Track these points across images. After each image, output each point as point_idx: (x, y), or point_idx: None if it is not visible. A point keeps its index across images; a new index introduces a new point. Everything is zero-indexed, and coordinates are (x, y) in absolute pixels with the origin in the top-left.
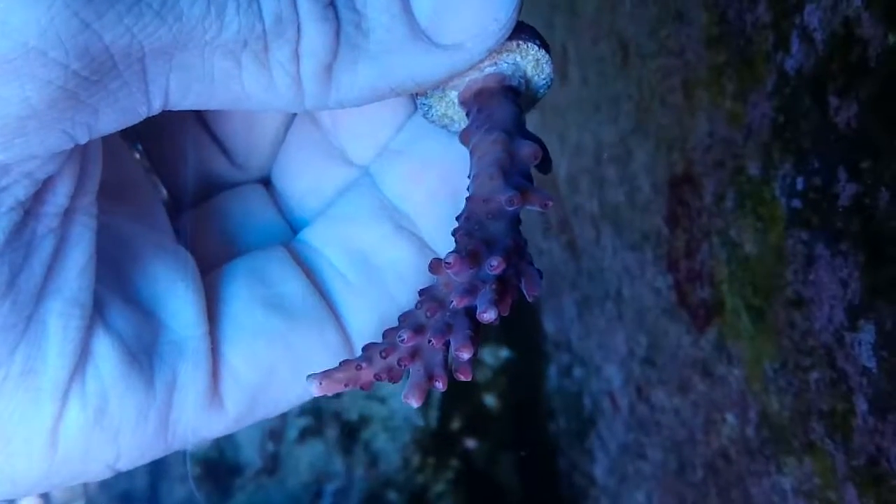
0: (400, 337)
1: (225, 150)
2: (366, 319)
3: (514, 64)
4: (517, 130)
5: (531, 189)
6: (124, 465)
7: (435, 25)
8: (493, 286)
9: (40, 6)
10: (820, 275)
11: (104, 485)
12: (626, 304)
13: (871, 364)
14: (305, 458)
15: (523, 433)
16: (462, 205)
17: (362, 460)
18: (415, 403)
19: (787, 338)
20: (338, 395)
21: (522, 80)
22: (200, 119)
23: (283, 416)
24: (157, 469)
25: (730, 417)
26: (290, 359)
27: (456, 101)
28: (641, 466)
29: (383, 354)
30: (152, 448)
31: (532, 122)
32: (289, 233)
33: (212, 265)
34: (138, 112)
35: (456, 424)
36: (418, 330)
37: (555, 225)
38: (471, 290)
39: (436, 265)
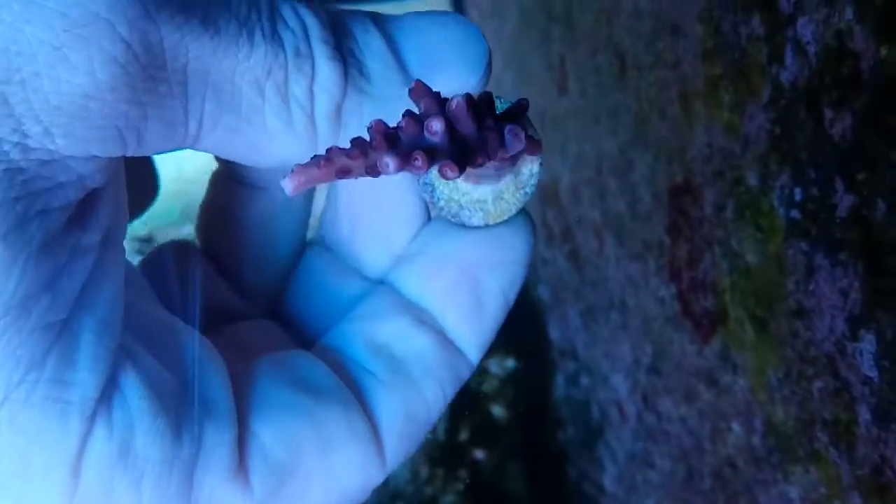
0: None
1: (232, 283)
2: (393, 411)
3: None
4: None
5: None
6: None
7: (423, 77)
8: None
9: None
10: (820, 285)
11: None
12: (631, 313)
13: (873, 374)
14: None
15: (531, 443)
16: (483, 296)
17: None
18: (392, 169)
19: (789, 347)
20: None
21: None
22: (208, 251)
23: None
24: None
25: (736, 426)
26: (317, 439)
27: (459, 179)
28: (650, 475)
29: (355, 145)
30: None
31: None
32: (308, 341)
33: (233, 365)
34: (177, 132)
35: (464, 435)
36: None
37: (558, 234)
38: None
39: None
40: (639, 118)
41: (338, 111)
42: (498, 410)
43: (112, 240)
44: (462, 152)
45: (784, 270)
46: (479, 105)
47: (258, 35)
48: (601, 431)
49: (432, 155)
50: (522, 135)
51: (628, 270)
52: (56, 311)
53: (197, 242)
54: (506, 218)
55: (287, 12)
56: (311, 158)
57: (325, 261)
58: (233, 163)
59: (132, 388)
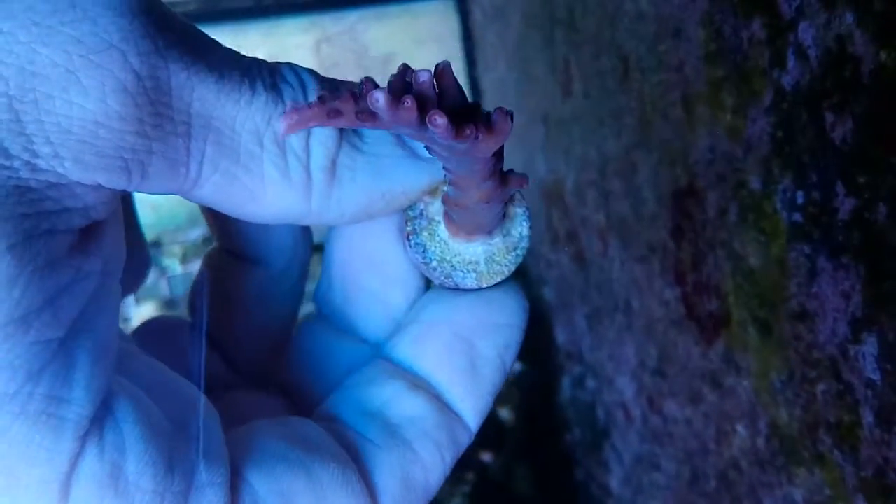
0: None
1: (226, 357)
2: (390, 475)
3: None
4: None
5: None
6: None
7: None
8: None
9: (124, 17)
10: (822, 288)
11: None
12: (636, 315)
13: (876, 376)
14: None
15: (538, 445)
16: (478, 359)
17: None
18: (381, 102)
19: (793, 350)
20: None
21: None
22: (198, 332)
23: None
24: None
25: (740, 429)
26: (312, 494)
27: (447, 238)
28: (656, 477)
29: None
30: None
31: (538, 135)
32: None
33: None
34: (179, 172)
35: None
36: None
37: (563, 237)
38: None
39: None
40: (642, 121)
41: (333, 165)
42: (505, 413)
43: (110, 273)
44: (449, 110)
45: (787, 273)
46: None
47: (259, 85)
48: (607, 433)
49: (422, 102)
50: (510, 116)
51: (633, 273)
52: (55, 329)
53: (189, 318)
54: (499, 280)
55: (286, 70)
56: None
57: (321, 330)
58: (228, 237)
59: (125, 414)
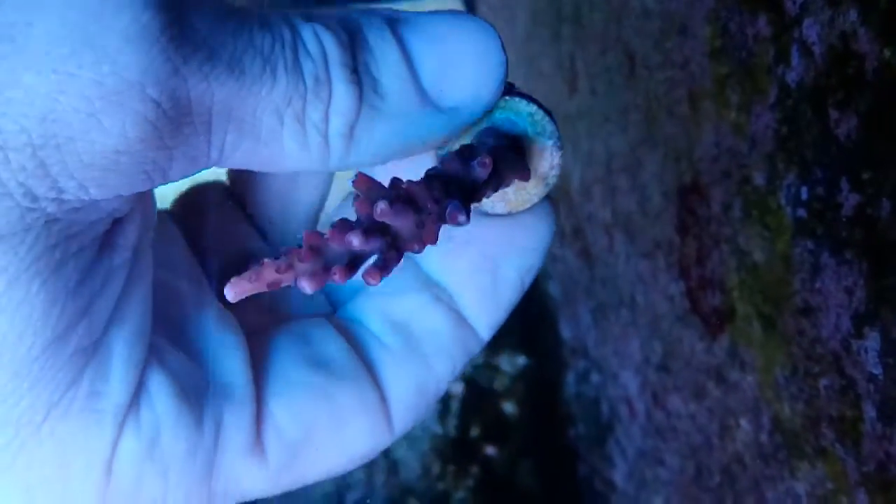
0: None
1: (258, 228)
2: (404, 386)
3: (508, 121)
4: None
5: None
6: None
7: (437, 91)
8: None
9: (143, 48)
10: (826, 283)
11: None
12: (641, 310)
13: (878, 371)
14: None
15: (542, 439)
16: (500, 281)
17: (383, 469)
18: (308, 290)
19: (796, 345)
20: None
21: (520, 134)
22: (234, 197)
23: None
24: None
25: (744, 423)
26: (330, 416)
27: None
28: (659, 472)
29: (287, 253)
30: (196, 493)
31: None
32: (328, 307)
33: (253, 331)
34: (199, 162)
35: (475, 432)
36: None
37: (569, 232)
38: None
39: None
40: (648, 117)
41: (351, 130)
42: (509, 407)
43: (141, 248)
44: (392, 247)
45: (791, 269)
46: (439, 176)
47: (280, 68)
48: (611, 428)
49: (354, 263)
50: (464, 212)
51: (638, 268)
52: (92, 333)
53: (227, 182)
54: (528, 206)
55: (308, 37)
56: (246, 271)
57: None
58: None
59: (159, 389)
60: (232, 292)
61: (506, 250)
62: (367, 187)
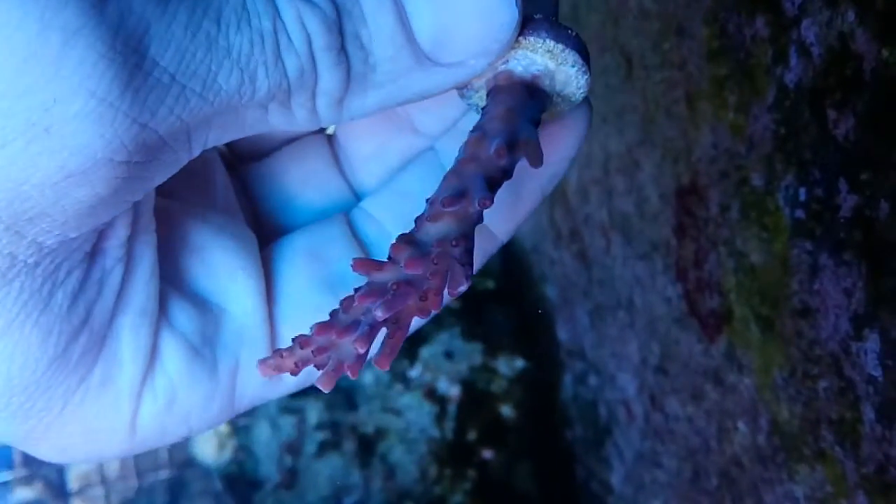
0: (311, 329)
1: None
2: None
3: (526, 59)
4: (519, 117)
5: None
6: (196, 433)
7: (438, 49)
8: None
9: (104, 121)
10: (825, 284)
11: (126, 503)
12: (638, 313)
13: (877, 373)
14: (324, 471)
15: (540, 442)
16: (522, 192)
17: (380, 473)
18: (325, 389)
19: (794, 347)
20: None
21: (542, 76)
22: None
23: (302, 431)
24: (177, 486)
25: (742, 426)
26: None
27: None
28: (657, 474)
29: (301, 345)
30: (220, 418)
31: None
32: (349, 195)
33: (272, 227)
34: (182, 162)
35: (472, 435)
36: (328, 326)
37: (566, 234)
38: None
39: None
40: (645, 118)
41: (340, 103)
42: (506, 410)
43: (138, 230)
44: (397, 327)
45: (789, 270)
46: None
47: (261, 74)
48: (609, 431)
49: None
50: (490, 199)
51: (636, 270)
52: (95, 337)
53: None
54: (557, 118)
55: (291, 23)
56: (273, 353)
57: None
58: None
59: (171, 353)
60: (263, 373)
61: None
62: (366, 270)
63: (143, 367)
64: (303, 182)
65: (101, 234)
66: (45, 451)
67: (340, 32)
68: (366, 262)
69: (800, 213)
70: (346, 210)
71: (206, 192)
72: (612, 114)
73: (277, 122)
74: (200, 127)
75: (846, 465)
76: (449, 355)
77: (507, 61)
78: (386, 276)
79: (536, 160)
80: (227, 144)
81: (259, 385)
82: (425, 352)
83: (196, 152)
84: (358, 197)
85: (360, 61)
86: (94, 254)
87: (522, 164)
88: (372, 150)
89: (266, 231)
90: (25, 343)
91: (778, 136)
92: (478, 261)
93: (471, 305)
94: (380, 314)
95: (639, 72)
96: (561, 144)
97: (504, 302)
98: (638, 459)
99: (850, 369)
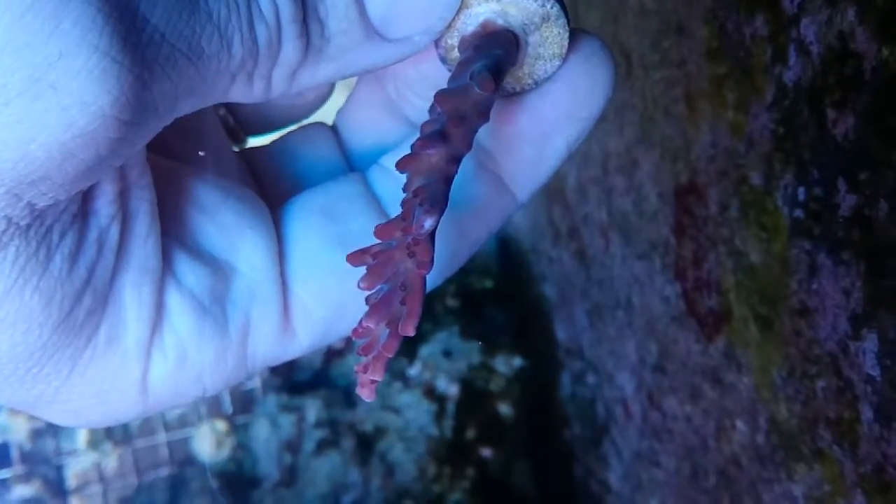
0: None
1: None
2: (438, 252)
3: (470, 16)
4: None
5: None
6: (211, 393)
7: (386, 25)
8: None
9: (110, 77)
10: (823, 284)
11: (125, 500)
12: (636, 312)
13: (875, 372)
14: (322, 469)
15: (538, 441)
16: (547, 151)
17: (379, 471)
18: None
19: (793, 346)
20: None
21: (490, 19)
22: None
23: (301, 429)
24: (177, 484)
25: (740, 425)
26: (359, 295)
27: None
28: (655, 473)
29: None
30: (234, 377)
31: None
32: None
33: (281, 201)
34: (156, 132)
35: (471, 433)
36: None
37: (564, 233)
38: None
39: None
40: (644, 117)
41: (293, 75)
42: (505, 409)
43: (128, 185)
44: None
45: (788, 269)
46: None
47: (236, 42)
48: (607, 430)
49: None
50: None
51: (634, 269)
52: (98, 297)
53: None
54: (549, 75)
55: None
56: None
57: (378, 96)
58: None
59: (180, 311)
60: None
61: (560, 121)
62: (388, 236)
63: (149, 325)
64: (311, 163)
65: (86, 195)
66: (57, 415)
67: (304, 4)
68: (387, 227)
69: (799, 213)
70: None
71: (213, 158)
72: (611, 112)
73: (236, 94)
74: (187, 92)
75: (844, 464)
76: (448, 354)
77: (465, 25)
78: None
79: (488, 87)
80: (230, 115)
81: (272, 343)
82: (424, 350)
83: (168, 121)
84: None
85: (317, 34)
86: (85, 214)
87: (548, 116)
88: (372, 142)
89: (276, 204)
90: (27, 309)
91: (777, 135)
92: (495, 221)
93: (469, 304)
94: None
95: (638, 70)
96: (589, 102)
97: (502, 301)
98: (636, 458)
99: (848, 369)
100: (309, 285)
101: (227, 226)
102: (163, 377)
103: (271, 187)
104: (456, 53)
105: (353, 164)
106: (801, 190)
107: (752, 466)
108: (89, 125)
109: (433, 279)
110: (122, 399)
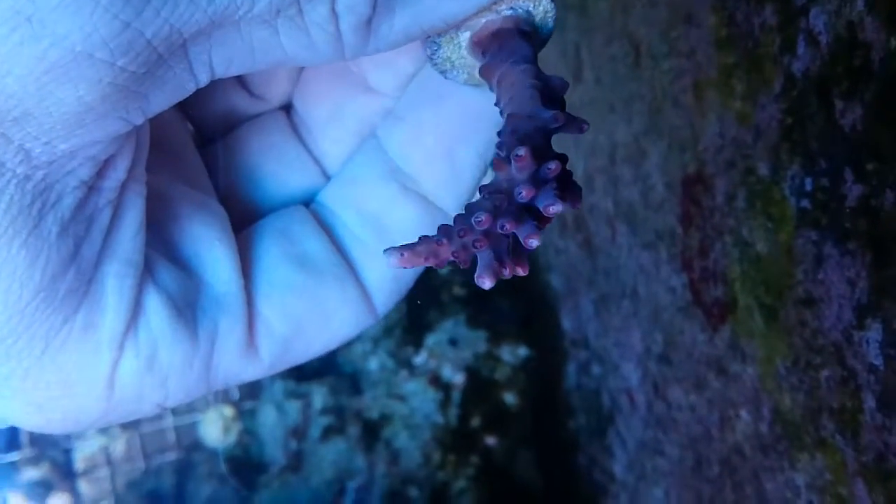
0: (477, 218)
1: (242, 82)
2: (381, 276)
3: (526, 11)
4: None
5: (569, 115)
6: (171, 404)
7: None
8: (555, 183)
9: (83, 13)
10: (829, 274)
11: (132, 484)
12: (642, 302)
13: (879, 362)
14: (328, 455)
15: (543, 430)
16: (458, 164)
17: (384, 458)
18: (487, 284)
19: (798, 336)
20: (359, 394)
21: (532, 26)
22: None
23: (307, 415)
24: (184, 468)
25: (744, 414)
26: (316, 312)
27: (464, 44)
28: (659, 463)
29: (460, 234)
30: (196, 389)
31: None
32: (312, 164)
33: (239, 204)
34: (186, 88)
35: (476, 422)
36: (493, 214)
37: (571, 224)
38: (536, 184)
39: (498, 163)
40: (653, 107)
41: (367, 24)
42: (510, 398)
43: (131, 177)
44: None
45: (793, 259)
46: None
47: None
48: (612, 419)
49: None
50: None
51: (640, 259)
52: (81, 276)
53: None
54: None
55: None
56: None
57: (334, 66)
58: None
59: (155, 310)
60: (398, 260)
61: (461, 135)
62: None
63: (126, 318)
64: (264, 156)
65: (99, 172)
66: (20, 408)
67: None
68: (530, 155)
69: (805, 203)
70: (310, 179)
71: (183, 171)
72: (620, 102)
73: (294, 48)
74: (197, 39)
75: (846, 453)
76: (454, 343)
77: (514, 7)
78: (531, 172)
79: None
80: (193, 120)
81: (236, 358)
82: (430, 339)
83: (202, 76)
84: (320, 166)
85: None
86: (90, 188)
87: (449, 132)
88: (328, 112)
89: (234, 209)
90: (13, 263)
91: (784, 125)
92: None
93: (476, 294)
94: (552, 201)
95: (646, 60)
96: (489, 112)
97: (509, 291)
98: (640, 448)
99: (851, 358)
100: (271, 301)
101: (197, 237)
102: (131, 373)
103: (228, 183)
104: (447, 49)
105: (311, 144)
106: (807, 180)
107: (755, 456)
108: (61, 59)
109: (386, 307)
110: (88, 393)
